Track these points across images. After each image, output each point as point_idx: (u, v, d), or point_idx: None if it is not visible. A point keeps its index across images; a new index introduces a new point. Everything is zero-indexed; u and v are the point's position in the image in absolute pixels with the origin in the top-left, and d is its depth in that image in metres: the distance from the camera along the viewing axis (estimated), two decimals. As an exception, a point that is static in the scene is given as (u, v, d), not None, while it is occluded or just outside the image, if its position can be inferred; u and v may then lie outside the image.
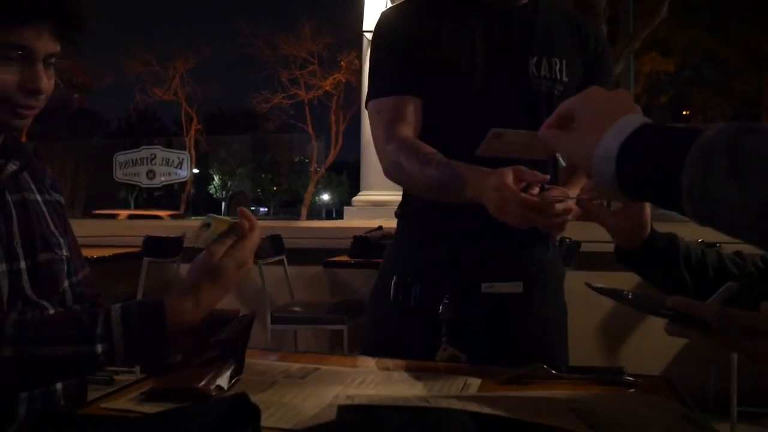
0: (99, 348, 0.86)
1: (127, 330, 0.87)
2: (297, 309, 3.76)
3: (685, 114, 23.89)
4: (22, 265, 0.99)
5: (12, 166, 1.04)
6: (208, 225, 0.96)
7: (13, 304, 0.98)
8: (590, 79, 1.37)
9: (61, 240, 1.10)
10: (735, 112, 20.66)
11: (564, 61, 1.36)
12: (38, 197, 1.10)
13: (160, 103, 25.51)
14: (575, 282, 1.48)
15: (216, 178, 32.66)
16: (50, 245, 1.06)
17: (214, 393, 0.89)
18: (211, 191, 33.21)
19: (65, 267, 1.10)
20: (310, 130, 23.66)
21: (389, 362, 1.12)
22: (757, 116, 17.37)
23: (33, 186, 1.10)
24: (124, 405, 0.87)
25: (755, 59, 16.97)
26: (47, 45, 0.95)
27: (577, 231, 3.55)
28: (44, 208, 1.10)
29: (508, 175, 1.06)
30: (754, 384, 3.28)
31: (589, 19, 1.50)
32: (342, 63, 21.40)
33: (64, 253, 1.09)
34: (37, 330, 0.87)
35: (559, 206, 1.07)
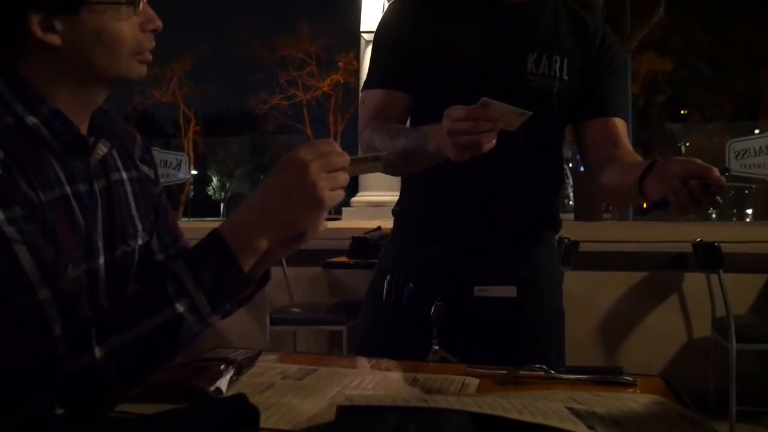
0: (179, 307, 0.78)
1: (197, 273, 0.79)
2: (296, 310, 3.76)
3: (683, 113, 23.93)
4: (101, 260, 0.93)
5: (102, 148, 0.96)
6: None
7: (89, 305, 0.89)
8: (595, 78, 1.37)
9: (139, 226, 1.02)
10: (733, 111, 20.70)
11: (566, 59, 1.34)
12: (124, 175, 1.02)
13: (158, 104, 25.52)
14: (574, 282, 1.47)
15: (214, 179, 32.60)
16: (126, 237, 0.99)
17: (212, 395, 0.89)
18: (209, 192, 33.15)
19: (135, 260, 1.02)
20: (308, 131, 23.66)
21: (388, 363, 1.12)
22: (754, 115, 17.37)
23: (120, 163, 1.01)
24: (122, 406, 0.86)
25: (753, 58, 16.97)
26: None
27: (576, 231, 3.55)
28: (128, 188, 1.02)
29: (451, 111, 1.08)
30: (753, 384, 3.29)
31: (598, 19, 1.49)
32: (340, 64, 21.43)
33: (139, 242, 1.02)
34: (114, 319, 0.80)
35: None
